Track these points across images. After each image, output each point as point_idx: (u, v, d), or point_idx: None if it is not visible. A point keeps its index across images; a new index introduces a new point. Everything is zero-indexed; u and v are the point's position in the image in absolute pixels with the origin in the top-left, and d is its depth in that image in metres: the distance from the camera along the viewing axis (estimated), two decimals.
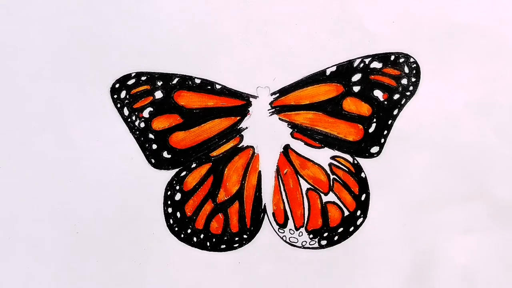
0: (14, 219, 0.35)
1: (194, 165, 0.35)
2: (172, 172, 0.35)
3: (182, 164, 0.35)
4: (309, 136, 0.35)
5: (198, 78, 0.34)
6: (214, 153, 0.35)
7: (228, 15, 0.34)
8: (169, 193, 0.35)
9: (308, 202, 0.35)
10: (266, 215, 0.35)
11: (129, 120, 0.34)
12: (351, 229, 0.35)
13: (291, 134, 0.35)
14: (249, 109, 0.35)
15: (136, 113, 0.34)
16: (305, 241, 0.35)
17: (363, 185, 0.35)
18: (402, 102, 0.34)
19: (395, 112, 0.34)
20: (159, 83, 0.34)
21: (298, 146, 0.35)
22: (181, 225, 0.35)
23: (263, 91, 0.34)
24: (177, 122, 0.34)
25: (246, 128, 0.35)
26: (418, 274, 0.35)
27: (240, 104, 0.34)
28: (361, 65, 0.34)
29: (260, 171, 0.35)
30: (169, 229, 0.35)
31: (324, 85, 0.34)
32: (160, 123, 0.34)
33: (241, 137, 0.35)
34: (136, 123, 0.34)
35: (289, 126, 0.35)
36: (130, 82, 0.34)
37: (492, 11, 0.34)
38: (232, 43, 0.34)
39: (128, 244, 0.35)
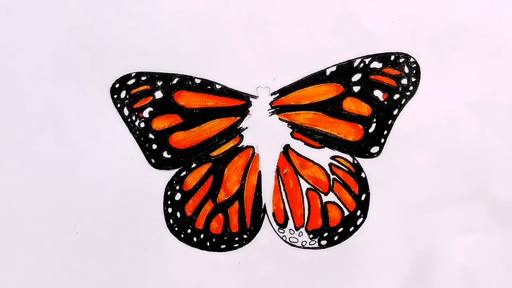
0: (14, 219, 0.35)
1: (194, 165, 0.35)
2: (172, 172, 0.35)
3: (182, 164, 0.35)
4: (309, 136, 0.35)
5: (198, 78, 0.34)
6: (214, 153, 0.35)
7: (228, 15, 0.34)
8: (169, 193, 0.35)
9: (308, 202, 0.35)
10: (266, 215, 0.35)
11: (129, 120, 0.34)
12: (351, 229, 0.35)
13: (291, 134, 0.35)
14: (249, 109, 0.35)
15: (136, 113, 0.34)
16: (305, 241, 0.35)
17: (363, 185, 0.35)
18: (402, 102, 0.34)
19: (395, 112, 0.34)
20: (159, 83, 0.34)
21: (298, 146, 0.35)
22: (181, 225, 0.35)
23: (263, 91, 0.34)
24: (177, 122, 0.34)
25: (246, 128, 0.35)
26: (418, 274, 0.35)
27: (240, 104, 0.34)
28: (361, 65, 0.34)
29: (260, 171, 0.35)
30: (169, 229, 0.35)
31: (324, 85, 0.34)
32: (160, 123, 0.34)
33: (241, 137, 0.35)
34: (136, 123, 0.34)
35: (289, 126, 0.35)
36: (130, 82, 0.34)
37: (492, 11, 0.34)
38: (232, 43, 0.34)
39: (128, 244, 0.35)
